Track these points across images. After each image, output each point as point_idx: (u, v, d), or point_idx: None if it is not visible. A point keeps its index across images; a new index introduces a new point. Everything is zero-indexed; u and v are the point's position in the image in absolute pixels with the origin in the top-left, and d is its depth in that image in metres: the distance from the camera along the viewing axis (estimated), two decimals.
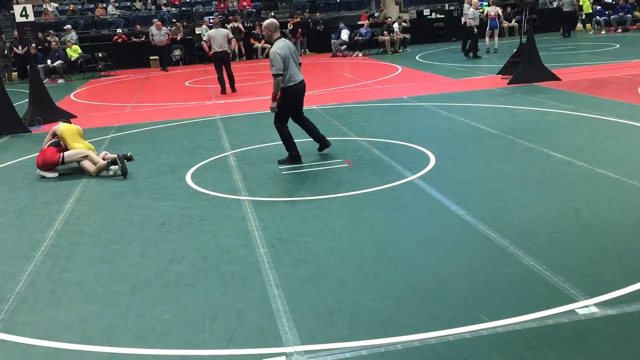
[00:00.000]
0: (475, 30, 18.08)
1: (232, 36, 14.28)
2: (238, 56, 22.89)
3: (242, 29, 23.09)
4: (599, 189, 5.84)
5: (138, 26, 23.47)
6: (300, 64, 7.54)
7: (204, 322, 3.85)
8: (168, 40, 21.26)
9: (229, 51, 14.10)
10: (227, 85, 14.21)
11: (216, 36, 13.70)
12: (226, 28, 21.86)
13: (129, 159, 8.17)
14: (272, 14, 24.89)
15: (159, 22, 21.07)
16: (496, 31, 19.28)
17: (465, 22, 18.78)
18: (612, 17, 23.60)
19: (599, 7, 23.83)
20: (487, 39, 19.35)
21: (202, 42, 14.46)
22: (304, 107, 7.85)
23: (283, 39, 7.47)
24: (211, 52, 13.89)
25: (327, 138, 7.94)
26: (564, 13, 22.95)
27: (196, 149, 8.69)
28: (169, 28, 22.96)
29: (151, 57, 22.02)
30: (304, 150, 8.13)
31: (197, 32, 22.70)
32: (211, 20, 20.49)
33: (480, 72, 14.96)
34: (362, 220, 5.42)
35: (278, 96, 7.34)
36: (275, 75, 7.18)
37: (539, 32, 23.07)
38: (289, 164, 7.48)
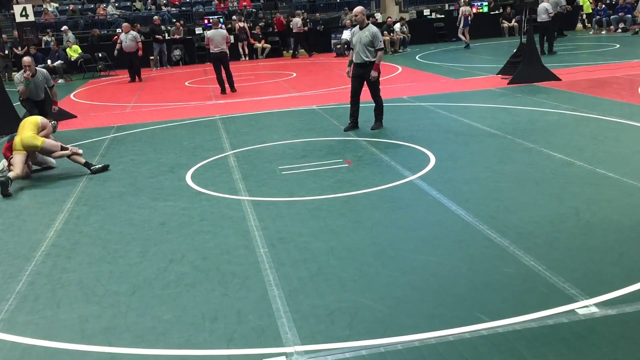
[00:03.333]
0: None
1: (229, 39, 14.36)
2: (243, 56, 22.91)
3: (247, 29, 23.06)
4: (599, 189, 5.84)
5: (138, 26, 23.47)
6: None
7: (204, 322, 3.85)
8: (140, 48, 18.48)
9: (227, 51, 14.12)
10: (227, 85, 14.22)
11: (215, 37, 13.74)
12: (232, 26, 21.93)
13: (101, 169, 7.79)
14: (260, 13, 24.90)
15: (126, 24, 19.07)
16: (467, 29, 21.90)
17: (538, 20, 16.68)
18: (612, 17, 23.58)
19: (603, 6, 23.73)
20: (461, 36, 22.07)
21: (205, 44, 14.51)
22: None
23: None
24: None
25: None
26: (557, 14, 22.90)
27: (196, 149, 8.69)
28: (170, 28, 22.89)
29: (151, 57, 21.99)
30: (305, 150, 8.15)
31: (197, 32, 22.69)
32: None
33: (480, 72, 14.95)
34: (362, 220, 5.42)
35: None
36: (382, 49, 8.94)
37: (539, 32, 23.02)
38: (380, 127, 9.12)
